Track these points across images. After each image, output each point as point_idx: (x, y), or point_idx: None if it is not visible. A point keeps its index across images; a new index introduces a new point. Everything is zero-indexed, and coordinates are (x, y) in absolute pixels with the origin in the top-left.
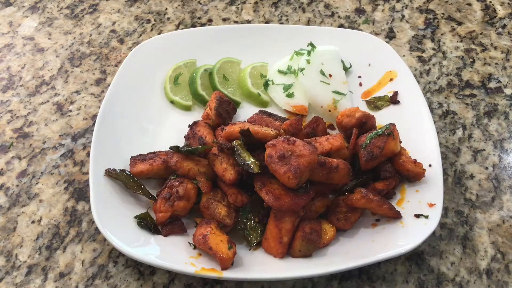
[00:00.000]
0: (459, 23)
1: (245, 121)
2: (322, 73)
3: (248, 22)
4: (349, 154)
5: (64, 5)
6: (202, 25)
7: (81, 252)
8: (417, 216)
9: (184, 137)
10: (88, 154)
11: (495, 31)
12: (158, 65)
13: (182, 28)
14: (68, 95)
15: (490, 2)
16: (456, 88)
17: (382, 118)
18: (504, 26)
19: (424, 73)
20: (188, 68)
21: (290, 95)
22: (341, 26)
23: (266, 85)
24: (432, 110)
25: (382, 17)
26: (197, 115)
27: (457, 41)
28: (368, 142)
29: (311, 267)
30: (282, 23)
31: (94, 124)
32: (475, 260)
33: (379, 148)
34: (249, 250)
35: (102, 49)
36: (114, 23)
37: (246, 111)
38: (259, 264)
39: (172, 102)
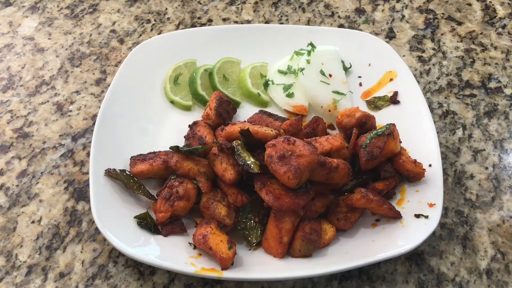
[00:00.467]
0: (459, 23)
1: (245, 121)
2: (322, 73)
3: (248, 22)
4: (349, 154)
5: (64, 5)
6: (202, 25)
7: (81, 252)
8: (417, 216)
9: (184, 137)
10: (88, 154)
11: (495, 31)
12: (158, 65)
13: (182, 28)
14: (68, 95)
15: (490, 2)
16: (456, 88)
17: (382, 118)
18: (504, 26)
19: (424, 73)
20: (188, 68)
21: (290, 95)
22: (341, 26)
23: (266, 85)
24: (432, 110)
25: (382, 17)
26: (197, 115)
27: (457, 41)
28: (368, 142)
29: (311, 267)
30: (282, 23)
31: (94, 124)
32: (475, 260)
33: (379, 148)
34: (249, 250)
35: (102, 49)
36: (114, 23)
37: (246, 111)
38: (259, 264)
39: (172, 102)
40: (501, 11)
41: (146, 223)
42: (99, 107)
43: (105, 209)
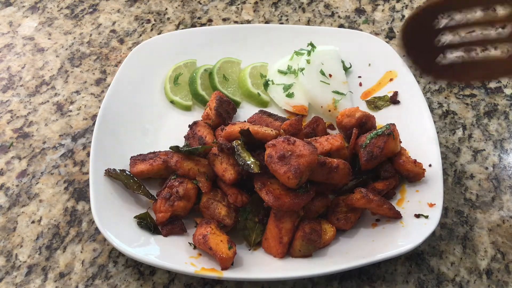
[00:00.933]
0: None
1: (245, 121)
2: (322, 73)
3: (248, 22)
4: (349, 154)
5: (64, 5)
6: (202, 25)
7: (81, 252)
8: (417, 216)
9: (184, 137)
10: (88, 154)
11: (495, 31)
12: (158, 65)
13: (182, 28)
14: (68, 95)
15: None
16: (456, 88)
17: (382, 118)
18: (504, 26)
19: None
20: (188, 68)
21: (290, 95)
22: (341, 26)
23: (266, 85)
24: (432, 110)
25: (382, 17)
26: (197, 115)
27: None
28: (368, 142)
29: (311, 267)
30: (282, 23)
31: (94, 124)
32: (475, 260)
33: (379, 148)
34: (249, 250)
35: (102, 49)
36: (114, 23)
37: (246, 111)
38: (259, 264)
39: (172, 102)
40: (501, 11)
41: (146, 223)
42: (99, 107)
43: (105, 209)
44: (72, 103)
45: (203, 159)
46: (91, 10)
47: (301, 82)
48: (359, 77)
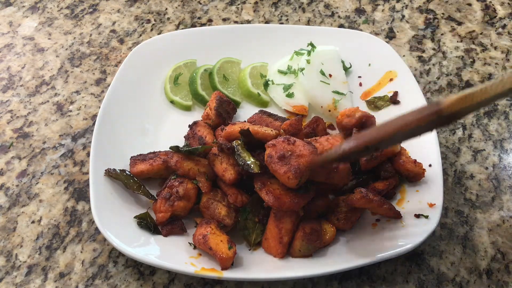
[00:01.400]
0: (459, 23)
1: (245, 121)
2: (322, 73)
3: (248, 22)
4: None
5: (64, 5)
6: (202, 25)
7: (81, 252)
8: (417, 216)
9: (184, 137)
10: (88, 154)
11: (495, 31)
12: (158, 65)
13: (182, 28)
14: (68, 95)
15: (490, 2)
16: (456, 88)
17: (382, 118)
18: (504, 26)
19: (424, 73)
20: (188, 68)
21: (290, 95)
22: (341, 26)
23: (266, 85)
24: None
25: (382, 17)
26: (197, 115)
27: (457, 41)
28: None
29: (311, 267)
30: (282, 23)
31: (94, 124)
32: (475, 260)
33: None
34: (249, 250)
35: (102, 49)
36: (114, 23)
37: (246, 111)
38: (259, 264)
39: (172, 102)
40: (501, 11)
41: (146, 223)
42: (99, 107)
43: (105, 209)
44: (72, 103)
45: (203, 159)
46: (91, 10)
47: (301, 82)
48: (359, 77)
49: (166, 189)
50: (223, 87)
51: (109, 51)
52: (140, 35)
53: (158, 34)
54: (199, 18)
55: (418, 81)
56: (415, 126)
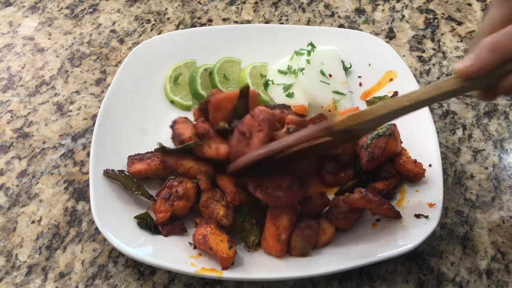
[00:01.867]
0: (459, 23)
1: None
2: (322, 73)
3: (248, 22)
4: (351, 153)
5: (64, 5)
6: (202, 25)
7: (81, 252)
8: (417, 216)
9: (171, 138)
10: (88, 154)
11: None
12: (158, 65)
13: (182, 28)
14: (68, 95)
15: (490, 2)
16: None
17: None
18: None
19: (424, 73)
20: (188, 68)
21: (290, 95)
22: (341, 26)
23: (266, 85)
24: (432, 110)
25: (382, 17)
26: None
27: (457, 41)
28: (369, 142)
29: (311, 267)
30: (282, 23)
31: (94, 124)
32: (475, 260)
33: (380, 149)
34: (248, 251)
35: (102, 49)
36: (114, 23)
37: None
38: (259, 264)
39: (172, 102)
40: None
41: (146, 223)
42: (99, 107)
43: (105, 209)
44: (72, 103)
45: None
46: (91, 10)
47: (301, 82)
48: (359, 77)
49: (165, 189)
50: (223, 86)
51: (109, 51)
52: (140, 35)
53: (158, 34)
54: (199, 18)
55: (418, 81)
56: (311, 139)
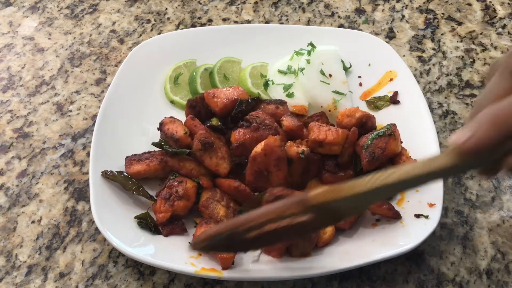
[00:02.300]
0: (459, 23)
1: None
2: (322, 73)
3: (248, 22)
4: (351, 153)
5: (64, 5)
6: (202, 25)
7: (81, 252)
8: (417, 216)
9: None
10: (88, 154)
11: (495, 31)
12: (158, 65)
13: (182, 28)
14: (68, 95)
15: (490, 2)
16: (456, 88)
17: (382, 118)
18: (504, 26)
19: (424, 73)
20: (188, 68)
21: (290, 95)
22: (341, 26)
23: (266, 85)
24: (432, 110)
25: (382, 17)
26: None
27: (457, 41)
28: (369, 142)
29: (311, 267)
30: (282, 23)
31: (94, 124)
32: (475, 260)
33: (381, 149)
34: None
35: (102, 49)
36: (114, 23)
37: None
38: (259, 264)
39: (172, 102)
40: (501, 11)
41: (146, 223)
42: (99, 107)
43: (105, 209)
44: (72, 103)
45: None
46: (91, 10)
47: (301, 82)
48: (359, 77)
49: (165, 189)
50: (223, 86)
51: (109, 51)
52: (140, 35)
53: (158, 34)
54: (199, 18)
55: (418, 81)
56: (288, 215)
